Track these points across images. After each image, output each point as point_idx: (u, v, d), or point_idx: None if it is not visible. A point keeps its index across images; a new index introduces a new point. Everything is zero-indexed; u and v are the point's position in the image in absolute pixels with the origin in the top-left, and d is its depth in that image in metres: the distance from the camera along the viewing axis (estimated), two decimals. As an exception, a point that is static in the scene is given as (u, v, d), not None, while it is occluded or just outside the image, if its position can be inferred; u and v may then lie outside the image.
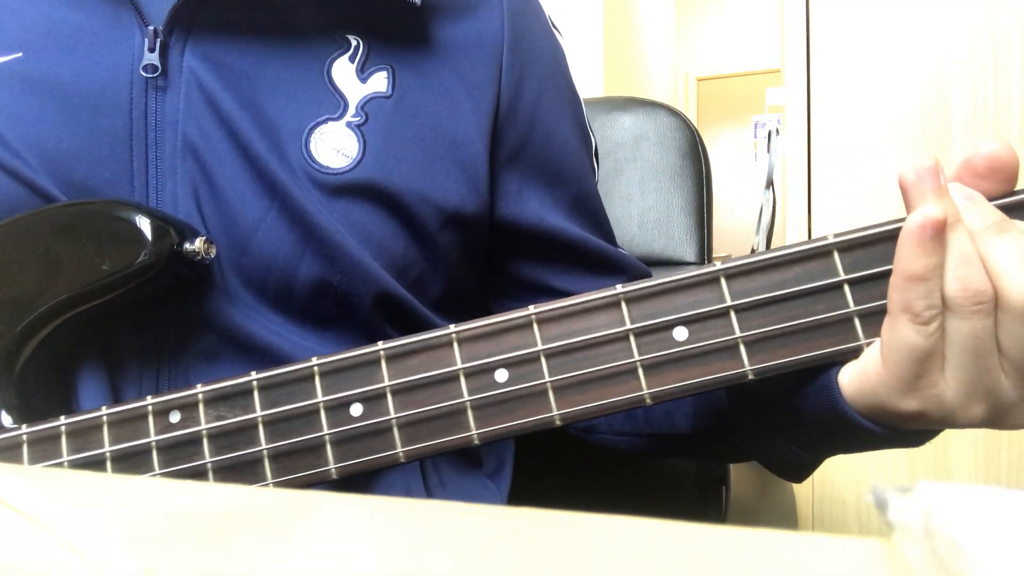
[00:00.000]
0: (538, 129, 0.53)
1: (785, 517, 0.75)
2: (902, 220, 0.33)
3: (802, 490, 1.04)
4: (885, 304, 0.33)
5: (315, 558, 0.18)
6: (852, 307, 0.33)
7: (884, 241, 0.34)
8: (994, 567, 0.14)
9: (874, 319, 0.33)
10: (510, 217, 0.52)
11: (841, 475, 1.02)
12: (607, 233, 0.58)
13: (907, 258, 0.32)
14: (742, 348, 0.34)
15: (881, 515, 0.18)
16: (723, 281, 0.35)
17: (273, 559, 0.19)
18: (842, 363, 0.35)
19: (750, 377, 0.34)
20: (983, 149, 0.33)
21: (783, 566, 0.17)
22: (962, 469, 0.98)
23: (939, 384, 0.33)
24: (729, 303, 0.34)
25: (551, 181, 0.53)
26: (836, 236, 0.34)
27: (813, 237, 1.04)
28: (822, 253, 0.34)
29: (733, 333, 0.34)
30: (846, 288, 0.34)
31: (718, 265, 0.35)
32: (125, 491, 0.24)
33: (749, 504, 0.76)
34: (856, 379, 0.35)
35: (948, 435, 0.99)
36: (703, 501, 0.74)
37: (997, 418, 0.33)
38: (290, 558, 0.19)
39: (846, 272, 0.34)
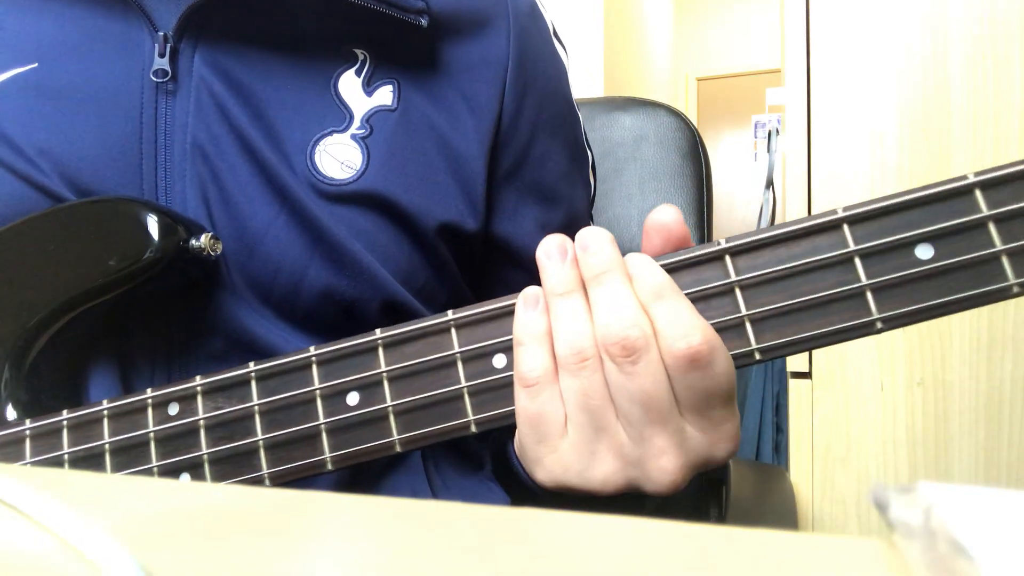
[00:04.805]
0: (535, 148, 0.53)
1: (785, 517, 0.75)
2: (917, 189, 0.32)
3: (802, 490, 1.04)
4: (899, 277, 0.32)
5: (315, 558, 0.18)
6: (864, 280, 0.32)
7: (894, 213, 0.33)
8: (994, 567, 0.14)
9: (887, 293, 0.32)
10: (504, 234, 0.52)
11: (841, 475, 1.02)
12: None
13: (515, 323, 0.35)
14: (748, 326, 0.33)
15: (881, 515, 0.18)
16: (728, 259, 0.34)
17: (273, 559, 0.19)
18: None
19: (757, 357, 0.33)
20: (652, 216, 0.36)
21: (783, 566, 0.17)
22: (962, 469, 0.98)
23: (560, 448, 0.34)
24: (733, 279, 0.34)
25: (544, 200, 0.54)
26: (845, 209, 0.33)
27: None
28: (831, 226, 0.33)
29: (739, 311, 0.33)
30: (857, 260, 0.33)
31: (722, 242, 0.34)
32: (125, 491, 0.24)
33: (749, 504, 0.76)
34: (517, 445, 0.37)
35: (948, 435, 0.99)
36: (703, 501, 0.74)
37: (636, 477, 0.34)
38: (290, 558, 0.18)
39: (856, 244, 0.33)
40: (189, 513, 0.21)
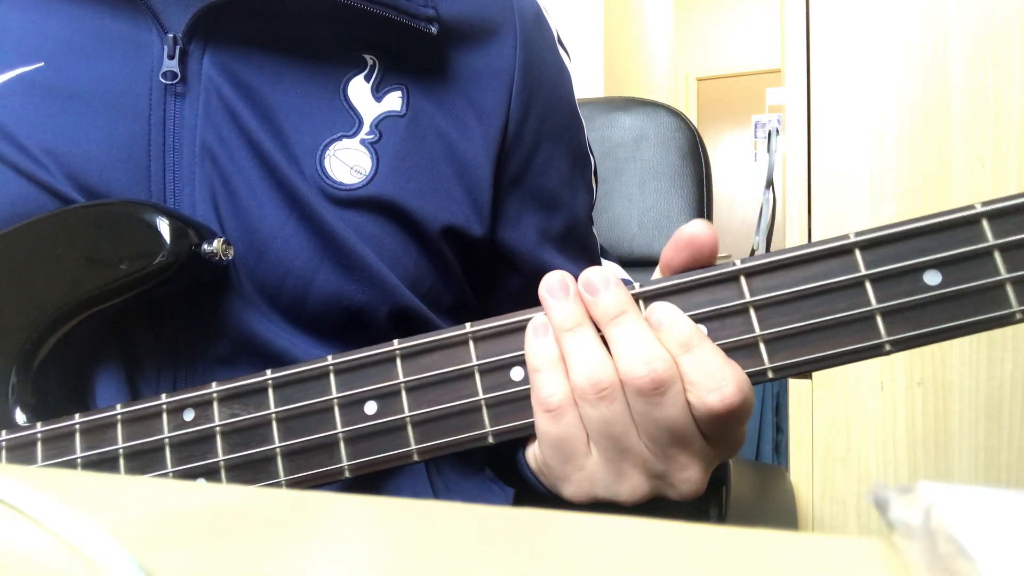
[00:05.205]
0: (539, 156, 0.53)
1: (785, 517, 0.75)
2: (926, 217, 0.33)
3: (802, 490, 1.04)
4: (907, 302, 0.33)
5: (315, 558, 0.18)
6: (874, 304, 0.33)
7: (905, 239, 0.34)
8: (994, 567, 0.14)
9: (896, 317, 0.33)
10: (507, 241, 0.53)
11: (841, 475, 1.02)
12: (592, 258, 0.60)
13: (526, 352, 0.35)
14: (762, 346, 0.34)
15: (881, 515, 0.18)
16: (743, 279, 0.35)
17: (273, 559, 0.19)
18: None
19: (770, 376, 0.34)
20: (685, 229, 0.36)
21: (783, 566, 0.17)
22: (962, 469, 0.98)
23: (586, 467, 0.35)
24: (748, 300, 0.34)
25: (545, 206, 0.55)
26: (857, 234, 0.34)
27: (813, 238, 1.04)
28: (843, 251, 0.34)
29: (752, 331, 0.34)
30: (867, 285, 0.34)
31: (737, 263, 0.35)
32: (125, 491, 0.24)
33: (749, 504, 0.76)
34: (532, 459, 0.39)
35: (948, 435, 0.99)
36: (703, 501, 0.74)
37: (660, 487, 0.35)
38: (290, 558, 0.19)
39: (867, 269, 0.34)
40: (189, 513, 0.21)
